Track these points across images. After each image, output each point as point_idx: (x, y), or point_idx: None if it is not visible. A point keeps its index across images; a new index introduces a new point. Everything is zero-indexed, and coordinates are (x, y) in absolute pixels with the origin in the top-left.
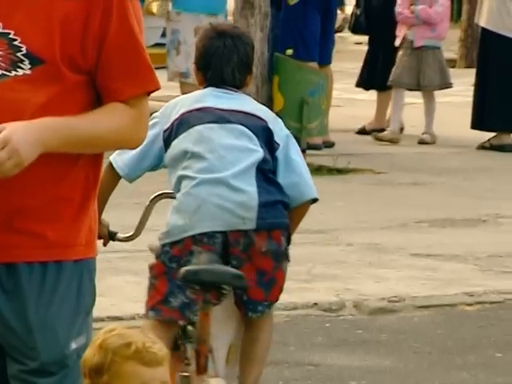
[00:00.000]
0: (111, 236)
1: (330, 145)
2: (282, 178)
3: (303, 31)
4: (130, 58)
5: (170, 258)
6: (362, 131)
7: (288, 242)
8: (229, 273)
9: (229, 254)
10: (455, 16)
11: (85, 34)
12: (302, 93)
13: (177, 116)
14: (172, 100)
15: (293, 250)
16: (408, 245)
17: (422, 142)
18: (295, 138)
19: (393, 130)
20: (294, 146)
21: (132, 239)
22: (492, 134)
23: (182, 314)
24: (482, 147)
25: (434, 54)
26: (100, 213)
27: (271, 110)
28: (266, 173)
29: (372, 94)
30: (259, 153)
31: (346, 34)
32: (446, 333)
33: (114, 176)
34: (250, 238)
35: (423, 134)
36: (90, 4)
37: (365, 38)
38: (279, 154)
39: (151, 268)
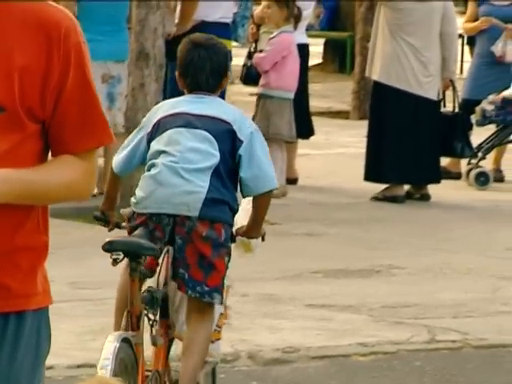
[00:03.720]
0: (118, 225)
1: None
2: (244, 172)
3: None
4: (85, 111)
5: (135, 225)
6: None
7: (231, 239)
8: (137, 243)
9: (175, 233)
10: (348, 68)
11: (44, 86)
12: None
13: (155, 121)
14: (155, 106)
15: None
16: (303, 295)
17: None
18: None
19: (281, 184)
20: (258, 141)
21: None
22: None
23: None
24: (375, 198)
25: (264, 103)
26: (113, 204)
27: None
28: (223, 176)
29: None
30: (216, 158)
31: (240, 84)
32: (339, 383)
33: (114, 174)
34: (193, 222)
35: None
36: (50, 57)
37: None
38: (242, 150)
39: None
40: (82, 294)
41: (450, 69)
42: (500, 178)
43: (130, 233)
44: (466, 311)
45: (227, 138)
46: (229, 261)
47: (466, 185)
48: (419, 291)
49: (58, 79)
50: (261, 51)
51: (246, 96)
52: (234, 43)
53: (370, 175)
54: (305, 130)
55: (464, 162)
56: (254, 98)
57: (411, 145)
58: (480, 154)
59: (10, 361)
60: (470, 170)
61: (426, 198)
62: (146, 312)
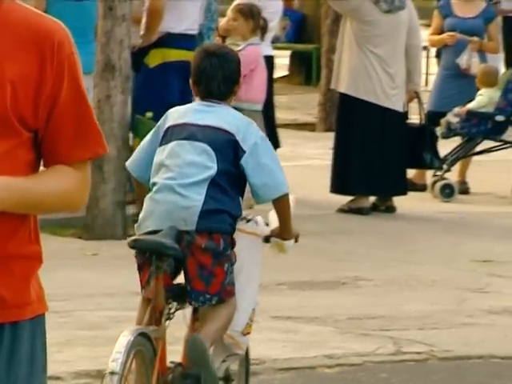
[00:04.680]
0: None
1: None
2: (252, 180)
3: (163, 94)
4: (79, 121)
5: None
6: None
7: (231, 245)
8: (160, 242)
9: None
10: (314, 80)
11: (37, 96)
12: None
13: (165, 128)
14: (168, 111)
15: None
16: (269, 307)
17: None
18: None
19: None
20: (263, 150)
21: None
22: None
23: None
24: (341, 210)
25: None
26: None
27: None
28: (222, 185)
29: None
30: (212, 170)
31: None
32: None
33: (136, 178)
34: (192, 236)
35: None
36: (43, 68)
37: None
38: (244, 160)
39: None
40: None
41: (414, 81)
42: (465, 190)
43: (138, 260)
44: (431, 323)
45: (228, 148)
46: (230, 266)
47: (431, 197)
48: (385, 303)
49: (51, 90)
50: None
51: None
52: None
53: (337, 187)
54: (271, 142)
55: (429, 174)
56: None
57: (378, 157)
58: (445, 166)
59: (6, 372)
60: (435, 182)
61: (391, 209)
62: (170, 306)
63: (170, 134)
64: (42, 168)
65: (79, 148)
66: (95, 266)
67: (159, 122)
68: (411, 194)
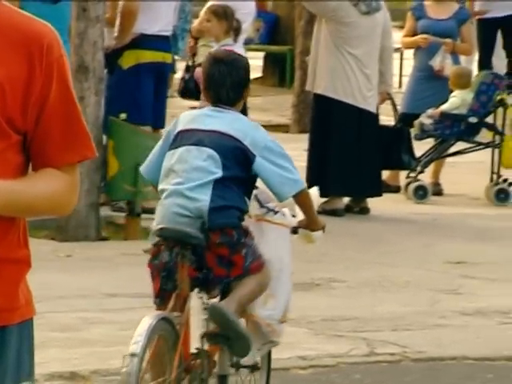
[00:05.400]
0: None
1: None
2: (269, 181)
3: (136, 95)
4: (68, 124)
5: (152, 257)
6: None
7: (245, 234)
8: (184, 232)
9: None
10: (288, 82)
11: (26, 98)
12: (136, 157)
13: (175, 132)
14: (180, 115)
15: (128, 315)
16: None
17: None
18: (129, 202)
19: None
20: (273, 152)
21: None
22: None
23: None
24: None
25: None
26: None
27: (106, 174)
28: (228, 184)
29: None
30: (216, 174)
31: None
32: None
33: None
34: (206, 234)
35: None
36: (32, 70)
37: (197, 103)
38: (257, 164)
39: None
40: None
41: (387, 82)
42: (438, 192)
43: (151, 267)
44: (404, 324)
45: (236, 153)
46: (250, 248)
47: (405, 198)
48: (358, 304)
49: (39, 92)
50: (200, 65)
51: (185, 109)
52: (175, 56)
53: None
54: None
55: (402, 176)
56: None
57: (355, 158)
58: (419, 168)
59: None
60: (408, 184)
61: (365, 211)
62: (199, 294)
63: (179, 139)
64: (30, 171)
65: (68, 151)
66: (68, 267)
67: (169, 127)
68: (385, 196)
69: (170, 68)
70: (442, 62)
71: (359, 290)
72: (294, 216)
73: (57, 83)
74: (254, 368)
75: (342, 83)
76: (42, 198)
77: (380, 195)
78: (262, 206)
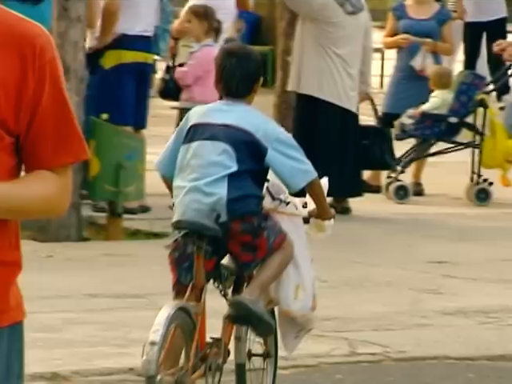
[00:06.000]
0: None
1: (146, 209)
2: (281, 172)
3: (118, 96)
4: (61, 126)
5: (172, 249)
6: None
7: (265, 218)
8: (200, 224)
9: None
10: (270, 82)
11: (19, 100)
12: (118, 157)
13: (188, 127)
14: (190, 111)
15: (109, 315)
16: (223, 309)
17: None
18: (111, 202)
19: None
20: (284, 144)
21: None
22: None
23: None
24: None
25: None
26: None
27: (87, 174)
28: (243, 176)
29: None
30: (232, 168)
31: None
32: None
33: (163, 177)
34: (226, 225)
35: None
36: (25, 72)
37: (177, 103)
38: (270, 156)
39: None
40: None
41: (367, 82)
42: (420, 192)
43: (170, 259)
44: (386, 324)
45: (249, 147)
46: (271, 229)
47: (386, 198)
48: (340, 304)
49: (32, 94)
50: (180, 65)
51: (166, 109)
52: (155, 57)
53: None
54: None
55: (383, 176)
56: (175, 112)
57: (338, 158)
58: (399, 168)
59: None
60: (389, 184)
61: (346, 211)
62: (217, 286)
63: (192, 133)
64: (22, 173)
65: (61, 153)
66: (50, 268)
67: (182, 123)
68: (366, 196)
69: (152, 68)
70: (423, 61)
71: (340, 290)
72: (304, 207)
73: (50, 85)
74: (266, 356)
75: (329, 84)
76: (35, 200)
77: (360, 195)
78: (274, 198)
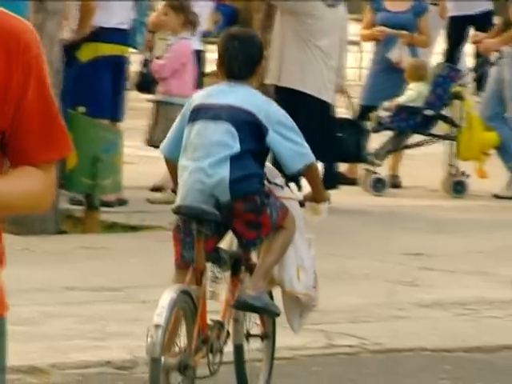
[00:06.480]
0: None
1: (123, 202)
2: (280, 154)
3: (95, 88)
4: (46, 122)
5: (176, 227)
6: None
7: (267, 196)
8: (200, 209)
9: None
10: None
11: (3, 95)
12: (95, 150)
13: (191, 108)
14: (193, 96)
15: (86, 308)
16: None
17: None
18: (88, 195)
19: (168, 192)
20: (284, 126)
21: None
22: None
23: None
24: None
25: (165, 110)
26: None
27: (64, 167)
28: (245, 156)
29: None
30: (235, 148)
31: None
32: None
33: (167, 159)
34: (230, 205)
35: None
36: (9, 68)
37: (153, 96)
38: (270, 137)
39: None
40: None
41: (342, 75)
42: (397, 184)
43: (176, 238)
44: (362, 316)
45: (251, 127)
46: (274, 205)
47: (363, 190)
48: None
49: (17, 90)
50: (157, 58)
51: (143, 102)
52: (132, 50)
53: None
54: None
55: (360, 168)
56: (151, 105)
57: (318, 150)
58: (376, 161)
59: None
60: (366, 176)
61: None
62: (214, 271)
63: (195, 114)
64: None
65: (46, 149)
66: (26, 261)
67: (185, 106)
68: (343, 188)
69: (128, 61)
70: (399, 54)
71: None
72: (299, 190)
73: (35, 80)
74: (263, 337)
75: (311, 76)
76: (22, 196)
77: (336, 187)
78: (270, 182)
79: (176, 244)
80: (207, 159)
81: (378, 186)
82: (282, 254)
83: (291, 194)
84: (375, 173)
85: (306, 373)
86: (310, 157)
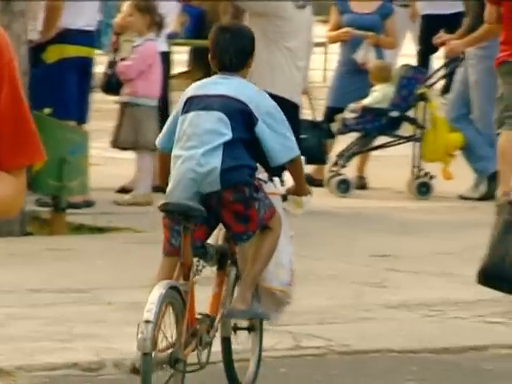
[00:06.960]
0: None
1: (90, 204)
2: (264, 146)
3: (61, 90)
4: (18, 128)
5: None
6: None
7: (256, 190)
8: (187, 205)
9: (208, 206)
10: None
11: None
12: (62, 151)
13: (185, 99)
14: (187, 88)
15: (53, 310)
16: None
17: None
18: (55, 196)
19: (136, 194)
20: (274, 118)
21: None
22: None
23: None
24: None
25: (131, 111)
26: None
27: (30, 169)
28: (237, 146)
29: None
30: (227, 136)
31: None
32: None
33: (160, 151)
34: (219, 194)
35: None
36: None
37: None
38: (259, 127)
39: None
40: None
41: (306, 77)
42: (363, 185)
43: (166, 225)
44: (329, 318)
45: (242, 116)
46: (263, 201)
47: (328, 192)
48: None
49: None
50: (123, 59)
51: (109, 104)
52: (98, 51)
53: None
54: None
55: (326, 170)
56: (117, 106)
57: None
58: (341, 162)
59: None
60: (331, 178)
61: None
62: (197, 263)
63: (188, 105)
64: None
65: (18, 155)
66: None
67: (180, 99)
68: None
69: (94, 63)
70: (365, 55)
71: None
72: (282, 184)
73: (8, 86)
74: (250, 329)
75: (281, 78)
76: None
77: None
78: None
79: (165, 231)
80: (200, 148)
81: (343, 187)
82: (269, 260)
83: (275, 190)
84: (340, 174)
85: (273, 374)
86: (296, 151)
